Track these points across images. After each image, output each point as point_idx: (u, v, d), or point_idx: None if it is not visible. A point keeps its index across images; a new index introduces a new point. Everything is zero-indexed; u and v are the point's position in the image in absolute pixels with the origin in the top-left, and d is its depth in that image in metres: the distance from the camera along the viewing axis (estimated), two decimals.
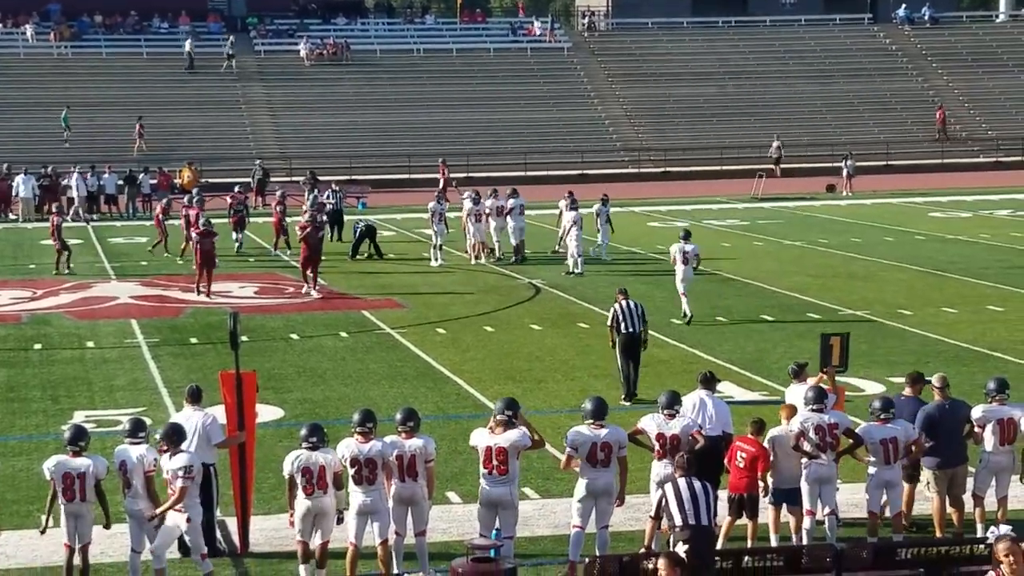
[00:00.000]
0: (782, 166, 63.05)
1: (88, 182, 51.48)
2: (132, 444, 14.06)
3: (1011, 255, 37.89)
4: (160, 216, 40.49)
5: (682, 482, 12.82)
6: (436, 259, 37.18)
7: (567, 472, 14.64)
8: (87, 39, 72.38)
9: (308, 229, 32.49)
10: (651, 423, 14.85)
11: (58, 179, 51.57)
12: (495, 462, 13.93)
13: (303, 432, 14.07)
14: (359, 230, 39.46)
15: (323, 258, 33.64)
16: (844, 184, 57.49)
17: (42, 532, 14.04)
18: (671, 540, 12.75)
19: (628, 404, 21.21)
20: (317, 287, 32.46)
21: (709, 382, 16.25)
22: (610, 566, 12.15)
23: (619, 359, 21.93)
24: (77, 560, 13.86)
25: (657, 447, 14.72)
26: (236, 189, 43.36)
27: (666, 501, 12.75)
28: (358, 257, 38.80)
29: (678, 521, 12.62)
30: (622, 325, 21.77)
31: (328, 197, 43.56)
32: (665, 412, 14.87)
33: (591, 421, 14.37)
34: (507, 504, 14.00)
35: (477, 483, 14.36)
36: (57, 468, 13.76)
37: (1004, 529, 10.34)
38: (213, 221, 34.16)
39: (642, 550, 13.05)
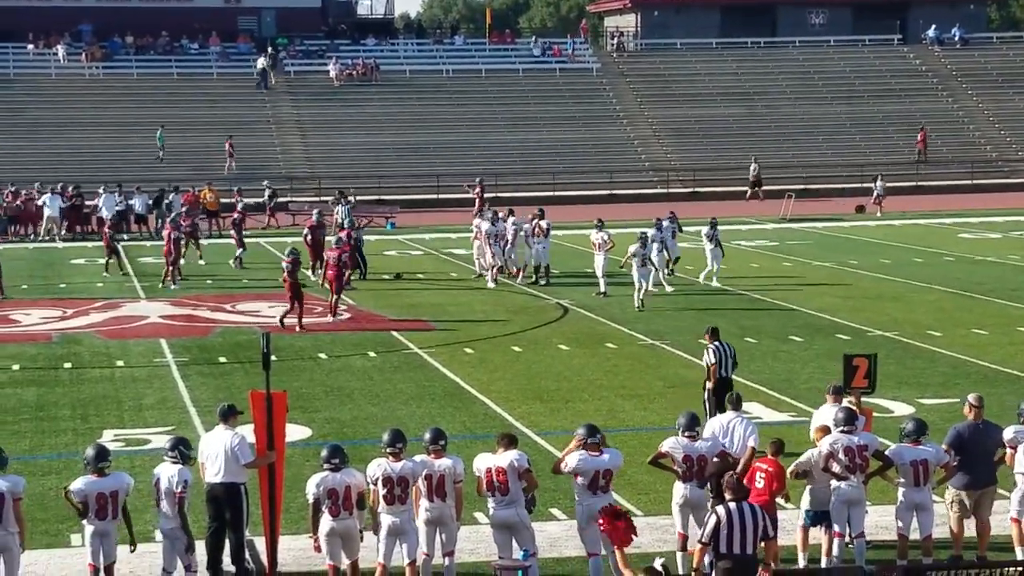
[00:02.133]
0: (764, 188, 62.91)
1: (117, 201, 51.72)
2: (169, 463, 14.14)
3: None
4: (107, 233, 40.83)
5: (732, 507, 12.58)
6: (601, 287, 35.18)
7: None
8: (118, 60, 72.78)
9: (347, 251, 32.80)
10: (675, 445, 14.80)
11: (83, 199, 51.75)
12: (496, 483, 13.95)
13: (324, 454, 14.12)
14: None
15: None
16: (874, 205, 57.34)
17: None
18: (717, 564, 12.64)
19: None
20: (335, 313, 32.29)
21: (737, 403, 16.28)
22: None
23: (712, 405, 19.45)
24: None
25: (684, 469, 14.68)
26: (238, 208, 44.45)
27: (716, 527, 12.52)
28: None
29: (723, 548, 12.46)
30: (719, 368, 19.84)
31: (337, 213, 44.02)
32: (687, 434, 14.83)
33: (590, 445, 14.31)
34: (517, 526, 14.00)
35: None
36: (90, 488, 13.77)
37: None
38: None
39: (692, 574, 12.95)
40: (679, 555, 14.70)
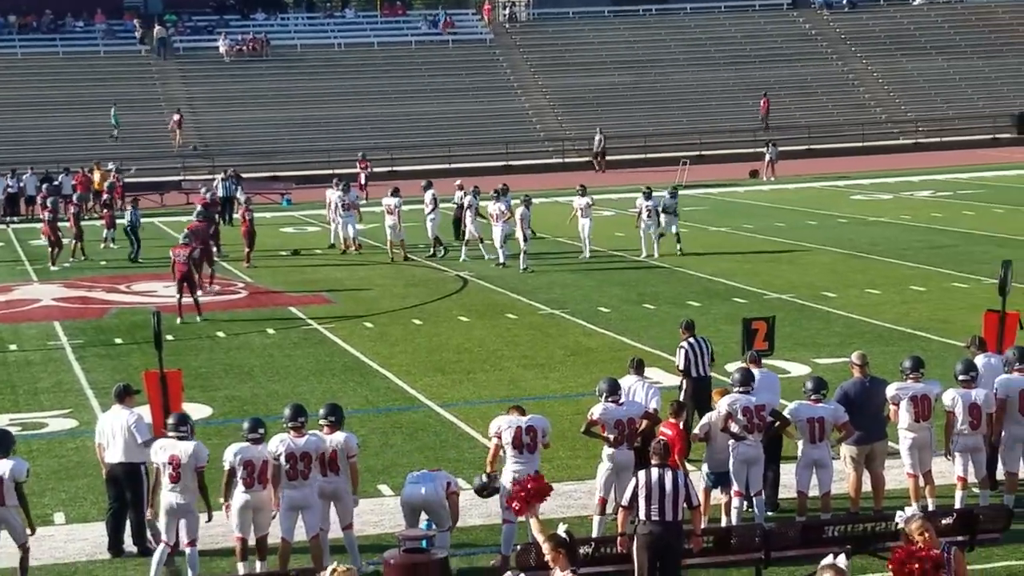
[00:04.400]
0: (608, 158, 63.46)
1: (8, 184, 51.01)
2: (175, 439, 13.99)
3: (932, 235, 38.32)
4: None
5: (655, 473, 12.58)
6: (499, 256, 35.02)
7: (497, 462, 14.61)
8: (1, 40, 71.38)
9: (202, 225, 32.59)
10: (606, 412, 14.83)
11: None
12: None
13: (247, 425, 14.03)
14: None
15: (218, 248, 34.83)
16: (767, 169, 57.89)
17: None
18: (636, 530, 12.67)
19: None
20: (212, 282, 32.24)
21: (639, 368, 16.37)
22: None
23: (691, 410, 17.16)
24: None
25: (616, 434, 14.73)
26: (106, 189, 45.46)
27: (635, 490, 12.54)
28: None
29: (642, 514, 12.49)
30: (692, 368, 17.91)
31: (216, 185, 45.30)
32: (610, 399, 14.89)
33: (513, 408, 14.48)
34: (433, 505, 14.03)
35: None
36: None
37: (910, 511, 10.49)
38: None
39: (618, 537, 12.97)
40: (596, 519, 14.75)
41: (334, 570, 9.60)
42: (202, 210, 35.23)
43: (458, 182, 41.80)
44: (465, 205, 37.26)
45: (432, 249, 37.18)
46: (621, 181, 56.46)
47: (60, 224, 38.35)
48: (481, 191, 37.74)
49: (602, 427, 14.81)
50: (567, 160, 64.93)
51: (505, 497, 13.88)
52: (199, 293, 29.63)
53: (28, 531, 13.82)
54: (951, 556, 10.17)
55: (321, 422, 14.16)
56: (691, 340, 18.01)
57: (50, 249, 37.49)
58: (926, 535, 10.01)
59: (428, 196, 37.13)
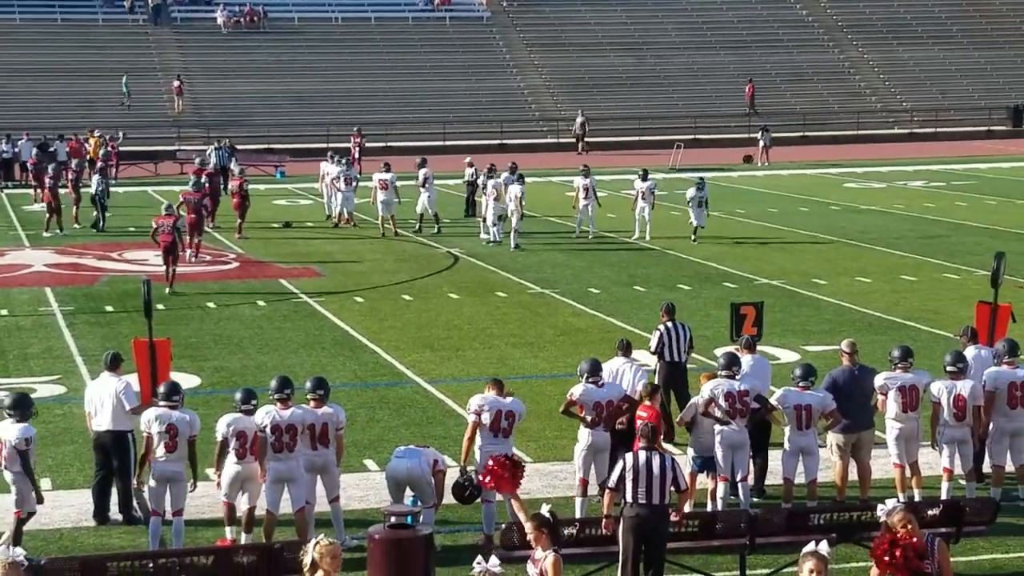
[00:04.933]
0: (588, 139, 63.20)
1: (3, 149, 51.00)
2: (171, 408, 14.00)
3: (924, 225, 38.36)
4: None
5: (642, 456, 12.51)
6: (492, 235, 34.97)
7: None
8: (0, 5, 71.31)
9: (196, 195, 32.77)
10: (585, 393, 14.85)
11: None
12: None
13: (239, 396, 14.08)
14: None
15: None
16: (761, 155, 57.89)
17: None
18: (622, 512, 12.68)
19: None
20: (198, 253, 32.34)
21: (627, 350, 16.37)
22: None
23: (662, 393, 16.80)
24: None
25: (594, 416, 14.75)
26: (101, 156, 45.84)
27: (622, 473, 12.49)
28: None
29: (629, 497, 12.46)
30: (665, 352, 17.97)
31: (210, 155, 44.93)
32: (590, 380, 14.90)
33: (495, 389, 14.50)
34: (419, 481, 14.02)
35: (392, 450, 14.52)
36: None
37: (891, 503, 10.48)
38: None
39: (603, 519, 12.96)
40: (578, 500, 14.79)
41: (318, 543, 9.59)
42: (195, 179, 35.15)
43: (468, 159, 42.01)
44: (479, 184, 37.37)
45: (418, 224, 37.17)
46: (614, 163, 56.43)
47: (59, 190, 38.38)
48: (497, 170, 37.40)
49: (580, 407, 14.84)
50: (561, 140, 64.86)
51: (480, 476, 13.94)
52: (189, 257, 29.70)
53: (35, 501, 13.83)
54: (935, 547, 10.19)
55: (308, 396, 14.17)
56: (668, 324, 18.02)
57: (47, 215, 37.42)
58: (909, 526, 10.00)
59: (422, 173, 37.06)
